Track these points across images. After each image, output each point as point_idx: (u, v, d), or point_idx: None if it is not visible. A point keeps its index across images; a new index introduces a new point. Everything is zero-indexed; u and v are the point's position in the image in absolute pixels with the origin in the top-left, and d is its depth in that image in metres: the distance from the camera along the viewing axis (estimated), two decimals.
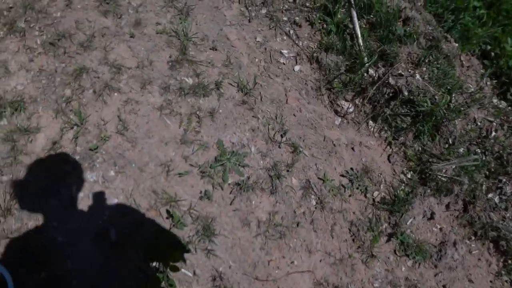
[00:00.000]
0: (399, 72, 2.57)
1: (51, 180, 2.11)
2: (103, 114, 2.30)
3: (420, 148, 2.63)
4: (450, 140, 2.61)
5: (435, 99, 2.57)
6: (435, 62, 2.73)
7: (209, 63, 2.54)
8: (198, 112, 2.38)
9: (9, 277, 1.87)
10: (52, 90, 2.34)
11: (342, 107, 2.64)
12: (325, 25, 2.81)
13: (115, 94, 2.36)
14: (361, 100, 2.63)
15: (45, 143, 2.20)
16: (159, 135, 2.30)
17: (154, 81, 2.43)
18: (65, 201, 2.09)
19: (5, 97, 2.29)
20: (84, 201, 2.11)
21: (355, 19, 2.70)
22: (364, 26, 2.82)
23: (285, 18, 2.82)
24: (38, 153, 2.18)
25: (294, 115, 2.54)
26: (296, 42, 2.74)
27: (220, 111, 2.42)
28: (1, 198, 2.01)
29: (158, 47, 2.55)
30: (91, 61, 2.43)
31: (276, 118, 2.49)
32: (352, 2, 2.70)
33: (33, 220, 2.01)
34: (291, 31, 2.79)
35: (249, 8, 2.80)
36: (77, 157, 2.19)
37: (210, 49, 2.60)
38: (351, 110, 2.64)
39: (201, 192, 2.22)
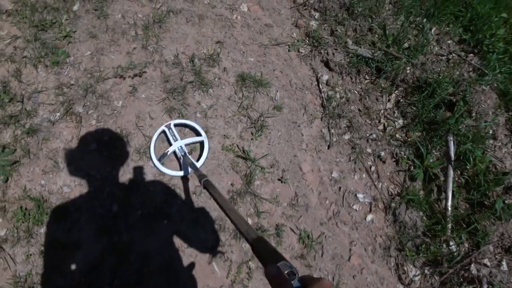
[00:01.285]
0: (484, 262, 2.21)
1: None
2: (149, 245, 2.07)
3: None
4: None
5: None
6: None
7: (274, 199, 2.24)
8: (250, 263, 2.12)
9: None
10: (100, 202, 2.11)
11: (408, 274, 2.32)
12: (412, 168, 2.43)
13: (165, 221, 2.12)
14: (431, 270, 2.31)
15: (83, 264, 2.01)
16: (203, 283, 2.07)
17: (210, 213, 2.16)
18: None
19: (50, 200, 2.09)
20: None
21: (450, 178, 2.31)
22: (456, 179, 2.42)
23: (369, 150, 2.44)
24: (74, 275, 2.00)
25: (353, 277, 2.26)
26: (375, 183, 2.38)
27: None
28: None
29: (221, 168, 2.25)
30: (144, 175, 2.17)
31: (333, 280, 2.21)
32: (452, 158, 2.29)
33: None
34: (373, 167, 2.42)
35: (331, 130, 2.43)
36: None
37: (278, 179, 2.28)
38: (417, 278, 2.33)
39: None
